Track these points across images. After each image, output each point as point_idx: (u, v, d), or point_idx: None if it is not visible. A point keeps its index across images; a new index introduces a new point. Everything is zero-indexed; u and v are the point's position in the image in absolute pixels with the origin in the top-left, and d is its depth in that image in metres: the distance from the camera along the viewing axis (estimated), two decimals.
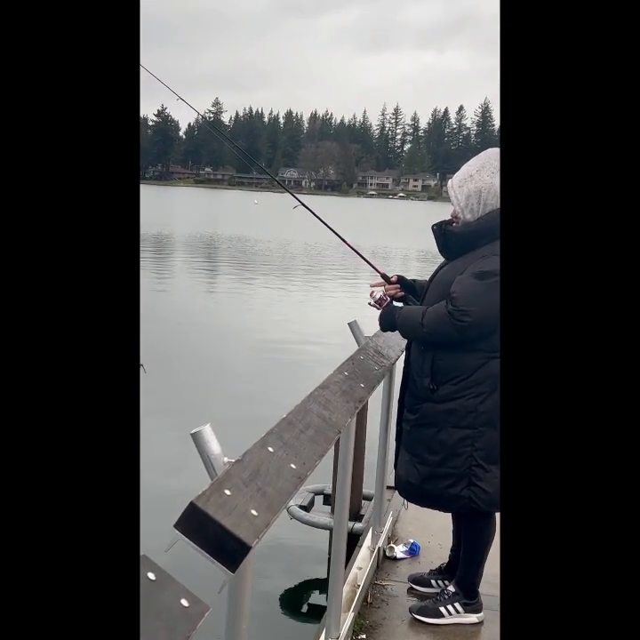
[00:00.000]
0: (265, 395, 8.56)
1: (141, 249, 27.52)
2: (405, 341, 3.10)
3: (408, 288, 3.09)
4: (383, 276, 3.14)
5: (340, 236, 3.43)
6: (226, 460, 1.76)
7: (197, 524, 1.41)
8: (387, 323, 2.97)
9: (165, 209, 63.15)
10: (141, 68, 4.08)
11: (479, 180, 2.73)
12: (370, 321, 3.47)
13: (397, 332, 3.00)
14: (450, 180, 2.88)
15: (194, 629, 1.15)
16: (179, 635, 1.12)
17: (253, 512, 1.50)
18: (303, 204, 3.67)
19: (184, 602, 1.18)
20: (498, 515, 2.94)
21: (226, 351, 11.41)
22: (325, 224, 3.45)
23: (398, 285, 3.08)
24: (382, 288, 3.08)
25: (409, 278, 3.18)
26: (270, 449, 1.76)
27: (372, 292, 3.10)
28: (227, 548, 1.40)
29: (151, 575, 1.18)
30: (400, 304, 3.09)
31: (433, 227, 2.91)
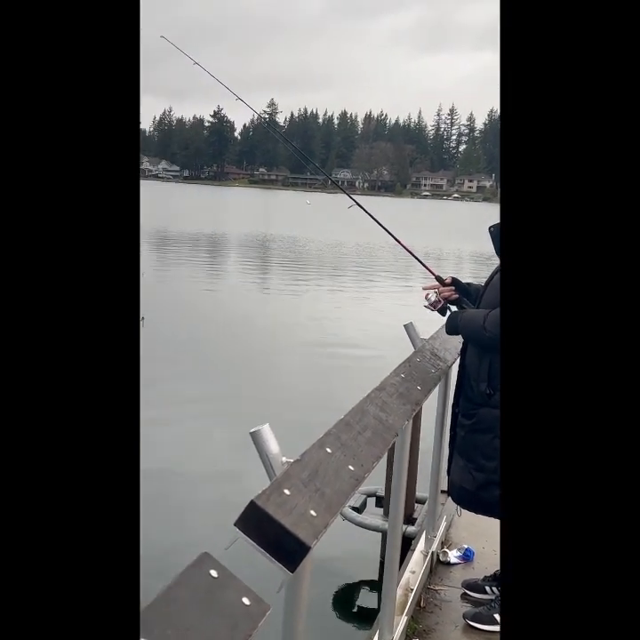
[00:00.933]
0: (320, 395, 8.58)
1: (195, 248, 27.89)
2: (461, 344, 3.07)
3: (462, 291, 3.07)
4: (437, 278, 3.12)
5: (394, 237, 3.42)
6: (284, 459, 1.77)
7: (257, 523, 1.42)
8: (450, 327, 2.95)
9: (220, 208, 63.81)
10: (199, 66, 4.13)
11: None
12: (424, 325, 3.44)
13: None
14: None
15: (255, 628, 1.15)
16: (240, 633, 1.13)
17: (312, 512, 1.50)
18: (358, 204, 3.67)
19: (245, 600, 1.18)
20: None
21: (279, 352, 11.47)
22: (380, 224, 3.44)
23: (453, 288, 3.05)
24: (436, 290, 3.06)
25: (463, 281, 3.16)
26: (328, 450, 1.76)
27: (427, 294, 3.08)
28: (286, 548, 1.40)
29: (213, 573, 1.19)
30: (454, 307, 3.07)
31: (490, 228, 2.87)
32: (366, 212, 3.45)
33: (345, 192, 3.97)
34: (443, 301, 3.05)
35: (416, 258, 3.37)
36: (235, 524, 1.44)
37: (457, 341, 3.20)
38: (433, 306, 3.07)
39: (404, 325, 3.32)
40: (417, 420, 4.06)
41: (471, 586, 3.26)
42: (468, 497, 2.93)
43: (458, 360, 3.14)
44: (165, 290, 17.17)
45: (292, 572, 1.41)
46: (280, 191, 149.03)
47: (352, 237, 33.92)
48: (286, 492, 1.51)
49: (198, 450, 7.01)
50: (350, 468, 1.76)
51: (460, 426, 2.94)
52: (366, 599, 4.61)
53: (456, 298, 3.04)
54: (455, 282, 3.08)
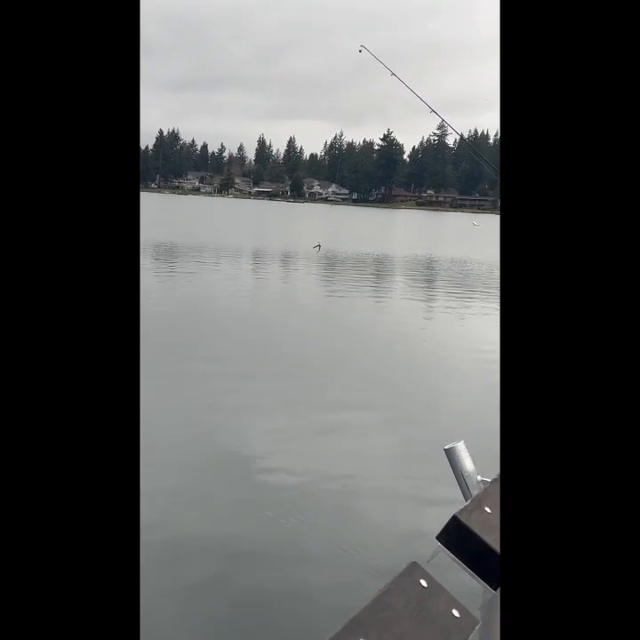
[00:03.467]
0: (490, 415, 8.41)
1: (358, 269, 28.29)
2: None
3: None
4: None
5: None
6: (480, 478, 1.77)
7: (459, 538, 1.42)
8: None
9: (386, 230, 64.39)
10: (396, 77, 4.22)
11: None
12: None
13: None
14: None
15: (465, 639, 1.16)
16: None
17: None
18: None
19: (455, 612, 1.19)
20: None
21: (450, 372, 11.37)
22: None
23: None
24: None
25: None
26: None
27: None
28: (490, 566, 1.40)
29: (423, 582, 1.21)
30: None
31: None
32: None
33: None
34: None
35: None
36: (437, 537, 1.45)
37: None
38: None
39: None
40: None
41: None
42: None
43: None
44: (335, 310, 17.55)
45: (496, 591, 1.40)
46: (448, 213, 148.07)
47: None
48: (487, 509, 1.51)
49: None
50: None
51: None
52: None
53: None
54: None
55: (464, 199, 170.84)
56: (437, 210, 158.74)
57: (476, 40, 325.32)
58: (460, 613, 1.19)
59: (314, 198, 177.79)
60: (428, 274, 28.59)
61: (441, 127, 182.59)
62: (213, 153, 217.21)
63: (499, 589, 1.42)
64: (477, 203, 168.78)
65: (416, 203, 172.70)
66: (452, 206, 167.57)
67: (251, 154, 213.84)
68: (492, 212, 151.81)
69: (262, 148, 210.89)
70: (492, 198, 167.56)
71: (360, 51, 4.26)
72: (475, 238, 57.51)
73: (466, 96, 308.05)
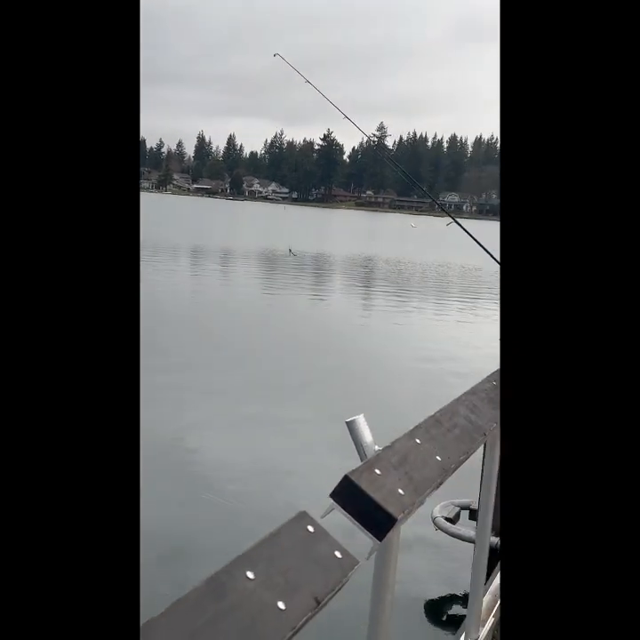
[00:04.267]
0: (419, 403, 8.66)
1: (301, 267, 28.47)
2: None
3: None
4: None
5: (490, 254, 3.53)
6: (377, 448, 1.94)
7: (351, 496, 1.59)
8: None
9: (325, 230, 64.75)
10: (310, 85, 4.35)
11: None
12: None
13: None
14: None
15: (345, 576, 1.32)
16: (333, 579, 1.30)
17: (400, 491, 1.66)
18: (456, 221, 3.80)
19: (337, 553, 1.36)
20: None
21: (379, 370, 11.63)
22: (476, 240, 3.57)
23: None
24: None
25: None
26: (417, 441, 1.92)
27: None
28: (376, 519, 1.57)
29: (310, 528, 1.37)
30: None
31: None
32: (463, 228, 3.59)
33: (446, 212, 4.11)
34: None
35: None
36: (330, 496, 1.62)
37: None
38: None
39: None
40: None
41: None
42: None
43: None
44: (271, 303, 17.67)
45: (380, 541, 1.58)
46: (387, 214, 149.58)
47: (456, 259, 33.76)
48: (377, 471, 1.68)
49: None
50: (437, 458, 1.91)
51: None
52: (459, 608, 4.68)
53: None
54: None
55: (402, 200, 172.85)
56: (376, 210, 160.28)
57: (419, 44, 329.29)
58: (341, 555, 1.36)
59: (254, 196, 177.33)
60: (365, 273, 28.96)
61: (380, 128, 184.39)
62: (152, 149, 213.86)
63: (384, 539, 1.60)
64: (416, 204, 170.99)
65: (355, 203, 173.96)
66: (390, 207, 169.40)
67: (190, 150, 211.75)
68: (429, 214, 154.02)
69: (202, 144, 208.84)
70: (430, 200, 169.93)
71: (275, 55, 4.35)
72: (412, 239, 58.34)
73: (407, 99, 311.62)
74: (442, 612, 4.75)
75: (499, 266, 3.46)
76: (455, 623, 4.27)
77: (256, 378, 10.40)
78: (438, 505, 4.89)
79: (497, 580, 3.37)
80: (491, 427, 2.40)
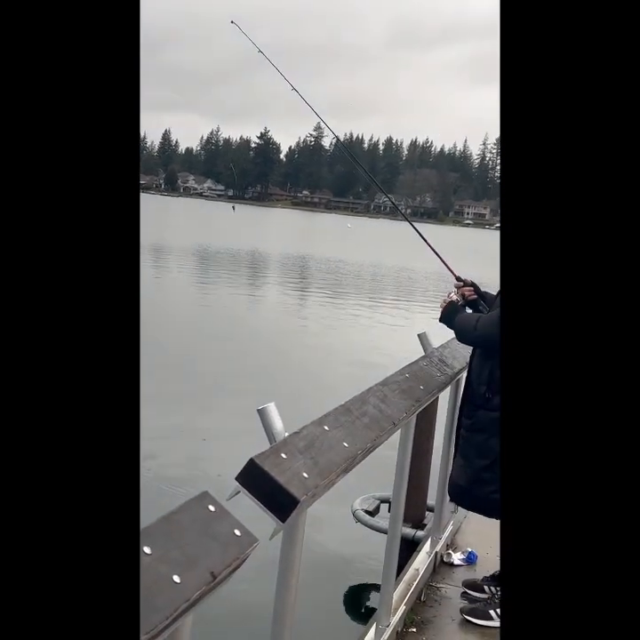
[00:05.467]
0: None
1: (236, 264, 28.35)
2: (469, 353, 3.26)
3: (480, 296, 3.21)
4: (458, 278, 3.28)
5: (420, 234, 3.59)
6: (286, 434, 1.99)
7: (255, 478, 1.64)
8: (445, 316, 3.12)
9: (262, 228, 64.58)
10: (263, 55, 4.24)
11: None
12: (443, 339, 3.64)
13: (475, 345, 3.13)
14: None
15: (243, 554, 1.37)
16: (230, 556, 1.34)
17: (304, 474, 1.71)
18: (413, 226, 3.85)
19: (237, 532, 1.40)
20: None
21: (311, 363, 11.71)
22: (410, 222, 3.62)
23: (472, 288, 3.22)
24: (456, 291, 3.22)
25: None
26: (326, 428, 1.97)
27: (449, 293, 3.25)
28: (279, 501, 1.62)
29: (211, 507, 1.41)
30: (470, 310, 3.21)
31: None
32: (418, 231, 3.59)
33: (404, 216, 4.12)
34: (460, 300, 3.20)
35: (439, 257, 3.47)
36: (236, 478, 1.66)
37: (466, 351, 3.39)
38: (450, 305, 3.21)
39: (418, 334, 3.52)
40: (428, 427, 4.23)
41: (471, 584, 3.41)
42: (461, 493, 3.12)
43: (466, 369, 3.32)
44: (206, 301, 17.56)
45: (283, 522, 1.63)
46: (323, 214, 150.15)
47: (390, 260, 34.18)
48: (283, 455, 1.73)
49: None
50: (345, 444, 1.97)
51: (463, 427, 3.13)
52: (376, 599, 4.77)
53: (474, 298, 3.18)
54: (474, 286, 3.23)
55: (338, 201, 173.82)
56: (313, 210, 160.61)
57: (358, 47, 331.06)
58: (241, 533, 1.40)
59: (189, 193, 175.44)
60: (302, 273, 29.03)
61: (317, 128, 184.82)
62: None
63: (288, 521, 1.65)
64: (351, 205, 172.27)
65: (291, 202, 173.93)
66: (326, 208, 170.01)
67: None
68: (365, 215, 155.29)
69: None
70: (366, 201, 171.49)
71: (232, 22, 4.20)
72: (349, 240, 58.72)
73: (345, 100, 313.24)
74: (359, 602, 4.84)
75: (425, 243, 3.53)
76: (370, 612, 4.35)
77: (188, 375, 10.35)
78: (359, 498, 4.97)
79: (411, 570, 3.46)
80: (401, 416, 2.49)
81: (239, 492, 1.65)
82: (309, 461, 1.78)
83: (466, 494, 3.08)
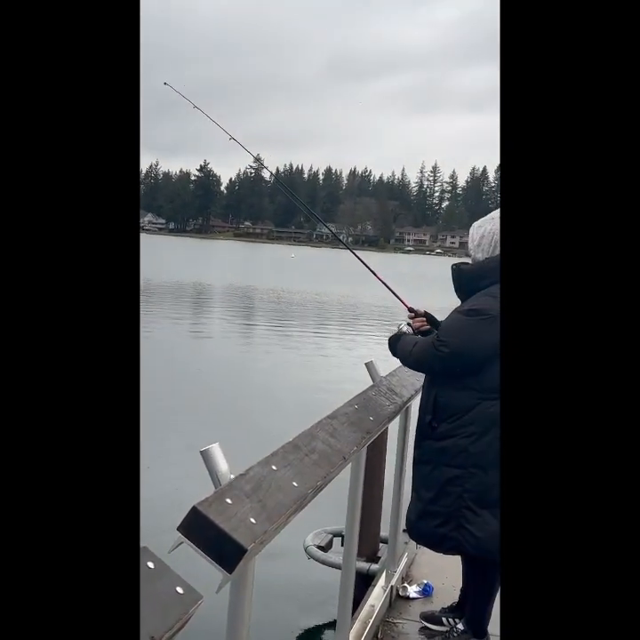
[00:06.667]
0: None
1: (179, 297, 28.05)
2: (421, 381, 3.20)
3: (434, 325, 3.15)
4: (410, 309, 3.22)
5: (369, 268, 3.52)
6: (232, 476, 1.88)
7: (198, 528, 1.52)
8: (391, 347, 3.06)
9: (205, 261, 64.26)
10: (199, 110, 4.28)
11: (497, 224, 2.78)
12: (391, 366, 3.58)
13: (414, 370, 3.10)
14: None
15: (186, 613, 1.25)
16: (172, 618, 1.23)
17: (252, 520, 1.61)
18: (339, 239, 3.80)
19: (179, 589, 1.29)
20: None
21: (255, 396, 11.55)
22: (357, 256, 3.58)
23: (424, 319, 3.15)
24: (409, 322, 3.16)
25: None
26: (274, 467, 1.88)
27: (399, 325, 3.19)
28: (224, 550, 1.51)
29: (150, 564, 1.29)
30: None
31: (452, 266, 3.03)
32: (360, 259, 3.55)
33: (346, 245, 4.08)
34: (414, 331, 3.14)
35: (389, 289, 3.44)
36: (177, 529, 1.54)
37: (414, 379, 3.34)
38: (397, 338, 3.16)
39: (366, 363, 3.45)
40: (379, 459, 4.16)
41: (428, 617, 3.32)
42: (411, 527, 3.04)
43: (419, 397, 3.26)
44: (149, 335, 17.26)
45: (231, 573, 1.51)
46: (265, 244, 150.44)
47: (335, 288, 34.32)
48: (228, 500, 1.62)
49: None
50: (294, 484, 1.88)
51: (413, 458, 3.06)
52: (330, 636, 4.64)
53: (427, 328, 3.12)
54: (428, 315, 3.18)
55: (281, 231, 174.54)
56: (255, 241, 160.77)
57: (296, 80, 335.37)
58: (183, 590, 1.29)
59: None
60: (247, 304, 28.89)
61: (257, 160, 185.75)
62: None
63: (235, 571, 1.54)
64: (294, 235, 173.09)
65: (234, 234, 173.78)
66: (268, 238, 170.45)
67: None
68: (307, 245, 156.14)
69: None
70: (308, 231, 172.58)
71: (165, 84, 4.27)
72: (293, 269, 58.85)
73: (284, 132, 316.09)
74: None
75: (374, 275, 3.47)
76: None
77: None
78: (311, 533, 4.85)
79: (367, 607, 3.36)
80: (352, 450, 2.40)
81: (182, 542, 1.54)
82: (257, 505, 1.68)
83: (414, 528, 3.01)
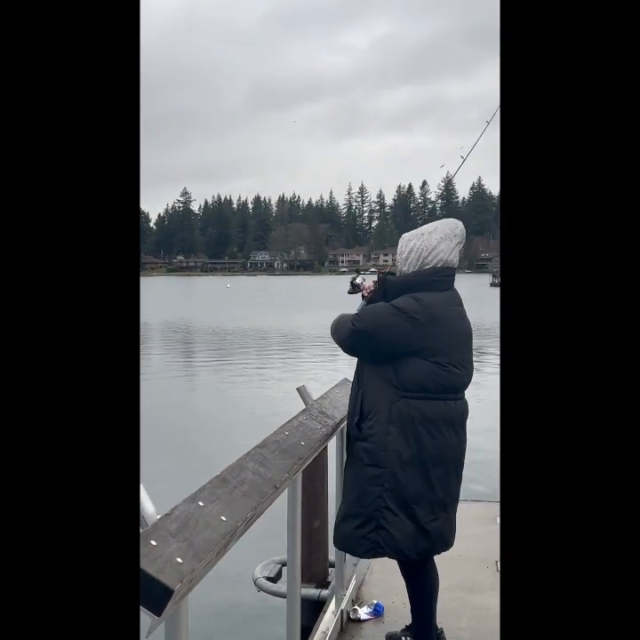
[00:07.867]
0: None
1: None
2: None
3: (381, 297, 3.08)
4: (381, 273, 3.19)
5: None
6: (158, 517, 1.85)
7: None
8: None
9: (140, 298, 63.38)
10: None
11: (426, 240, 2.87)
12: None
13: (332, 337, 3.08)
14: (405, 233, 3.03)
15: None
16: None
17: (179, 560, 1.58)
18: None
19: None
20: (442, 559, 3.01)
21: (199, 432, 11.41)
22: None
23: (374, 289, 3.09)
24: (372, 281, 3.15)
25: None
26: (200, 503, 1.85)
27: (357, 277, 3.20)
28: (151, 593, 1.48)
29: None
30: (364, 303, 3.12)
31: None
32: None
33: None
34: (362, 290, 3.14)
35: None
36: None
37: (346, 399, 3.35)
38: (354, 287, 3.16)
39: (297, 388, 3.46)
40: (321, 482, 4.14)
41: (391, 638, 3.30)
42: (335, 532, 3.05)
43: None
44: None
45: (159, 616, 1.48)
46: (199, 277, 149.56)
47: (273, 317, 34.29)
48: (153, 542, 1.59)
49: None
50: (223, 518, 1.85)
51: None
52: None
53: (371, 297, 3.07)
54: (389, 282, 3.07)
55: (215, 263, 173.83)
56: (189, 275, 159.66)
57: (218, 112, 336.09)
58: None
59: None
60: (185, 338, 28.59)
61: (184, 194, 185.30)
62: None
63: (164, 614, 1.51)
64: (228, 265, 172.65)
65: (167, 269, 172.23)
66: (202, 271, 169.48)
67: None
68: (242, 274, 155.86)
69: None
70: (242, 260, 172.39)
71: None
72: (229, 299, 58.61)
73: (211, 164, 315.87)
74: None
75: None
76: None
77: None
78: (259, 565, 4.79)
79: (318, 634, 3.32)
80: (283, 477, 2.39)
81: None
82: (183, 544, 1.65)
83: (336, 531, 3.01)
